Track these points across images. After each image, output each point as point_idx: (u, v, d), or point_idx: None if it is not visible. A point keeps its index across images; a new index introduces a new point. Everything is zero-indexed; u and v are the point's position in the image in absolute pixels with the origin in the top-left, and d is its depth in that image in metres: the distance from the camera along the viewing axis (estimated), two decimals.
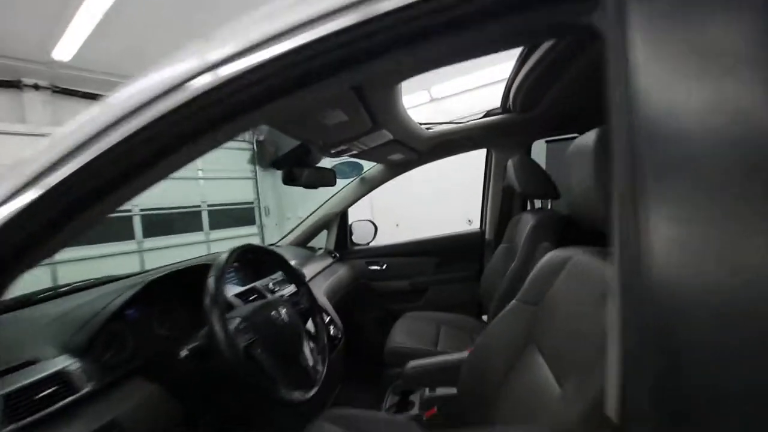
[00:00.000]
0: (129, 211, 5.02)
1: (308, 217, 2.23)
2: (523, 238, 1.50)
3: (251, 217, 6.56)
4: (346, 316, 2.28)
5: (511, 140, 1.92)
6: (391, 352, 1.57)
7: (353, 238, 2.36)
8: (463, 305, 2.13)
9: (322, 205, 2.21)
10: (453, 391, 1.10)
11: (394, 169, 2.08)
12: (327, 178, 1.41)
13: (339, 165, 1.91)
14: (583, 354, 0.64)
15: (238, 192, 6.41)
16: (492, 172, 2.07)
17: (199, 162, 5.87)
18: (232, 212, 6.33)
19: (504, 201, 2.04)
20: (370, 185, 2.13)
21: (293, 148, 1.30)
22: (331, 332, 1.37)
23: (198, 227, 5.84)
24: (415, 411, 1.21)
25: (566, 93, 1.32)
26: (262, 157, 6.46)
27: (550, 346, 0.82)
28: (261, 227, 6.53)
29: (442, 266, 2.20)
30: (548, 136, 1.96)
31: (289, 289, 1.40)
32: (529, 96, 1.42)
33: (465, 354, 1.14)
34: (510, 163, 1.66)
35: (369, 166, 2.13)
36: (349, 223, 2.34)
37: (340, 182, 2.06)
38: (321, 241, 2.31)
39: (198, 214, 5.85)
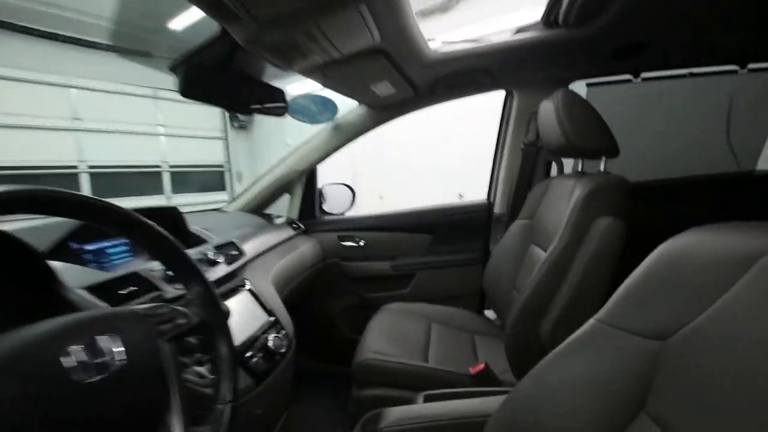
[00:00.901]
0: (74, 168, 4.35)
1: (265, 175, 1.69)
2: (566, 211, 1.01)
3: (221, 182, 5.94)
4: (308, 307, 1.81)
5: (545, 75, 1.41)
6: (362, 367, 1.10)
7: (324, 206, 1.84)
8: (461, 296, 1.66)
9: (283, 159, 1.67)
10: None
11: (381, 114, 1.54)
12: (272, 102, 0.87)
13: (304, 100, 1.37)
14: None
15: (207, 153, 5.74)
16: (510, 123, 1.56)
17: (159, 115, 5.17)
18: (199, 176, 5.69)
19: (525, 163, 1.54)
20: (347, 135, 1.59)
21: (209, 40, 0.75)
22: (270, 344, 0.87)
23: (158, 190, 5.20)
24: None
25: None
26: (235, 115, 5.76)
27: (699, 424, 0.37)
28: (232, 194, 5.92)
29: (435, 246, 1.71)
30: (600, 73, 1.42)
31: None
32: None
33: (479, 406, 0.68)
34: (543, 107, 1.16)
35: (347, 109, 1.59)
36: (319, 186, 1.82)
37: (308, 130, 1.52)
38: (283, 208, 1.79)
39: (158, 175, 5.18)
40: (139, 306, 0.51)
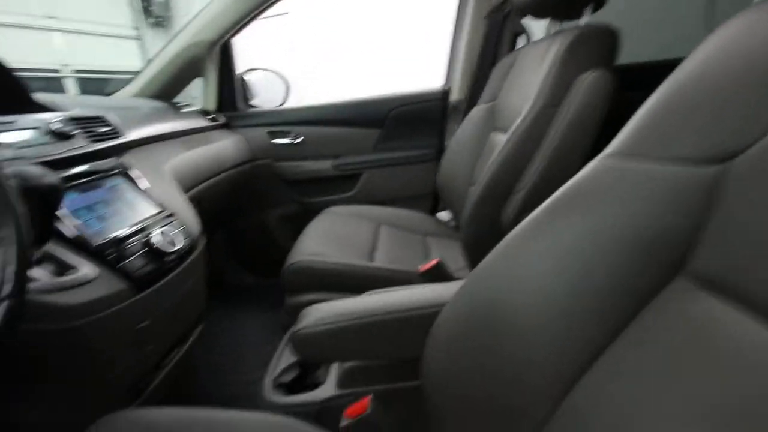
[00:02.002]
0: None
1: (162, 50, 1.30)
2: (537, 78, 0.81)
3: None
4: (238, 218, 1.56)
5: None
6: (294, 271, 0.92)
7: (249, 98, 1.51)
8: (413, 198, 1.49)
9: (185, 26, 1.27)
10: (408, 383, 0.49)
11: None
12: None
13: None
14: None
15: (118, 56, 4.80)
16: None
17: (55, 7, 4.10)
18: (114, 84, 4.81)
19: (488, 36, 1.28)
20: None
21: None
22: (154, 241, 0.64)
23: None
24: (328, 390, 0.60)
25: None
26: (150, 9, 4.77)
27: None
28: None
29: (384, 142, 1.49)
30: None
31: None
32: None
33: (427, 295, 0.51)
34: None
35: None
36: (238, 72, 1.46)
37: None
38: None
39: (58, 81, 4.29)
40: None
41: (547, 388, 0.32)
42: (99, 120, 0.80)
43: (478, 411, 0.38)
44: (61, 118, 0.69)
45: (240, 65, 1.47)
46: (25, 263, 0.32)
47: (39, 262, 0.52)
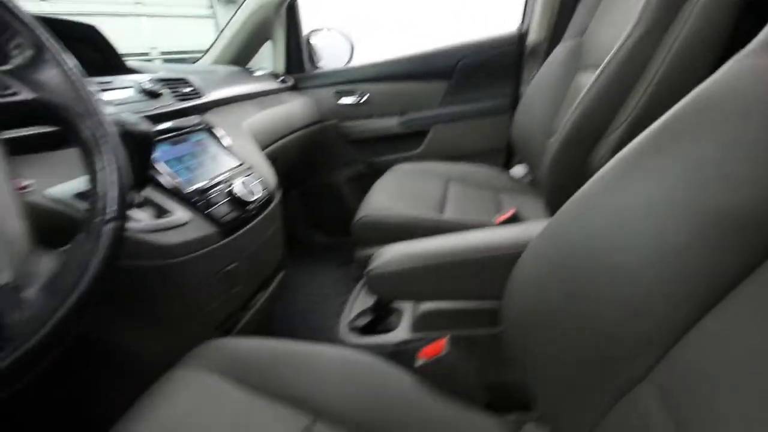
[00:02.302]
0: None
1: (235, 15, 1.33)
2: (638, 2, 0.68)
3: None
4: (309, 178, 1.61)
5: None
6: (363, 224, 0.92)
7: (314, 58, 1.51)
8: (484, 153, 1.41)
9: None
10: (485, 329, 0.47)
11: None
12: None
13: None
14: None
15: (197, 36, 5.12)
16: None
17: None
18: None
19: None
20: None
21: None
22: (236, 191, 0.68)
23: None
24: (401, 334, 0.60)
25: None
26: None
27: None
28: None
29: (453, 95, 1.40)
30: None
31: None
32: None
33: (508, 236, 0.47)
34: None
35: None
36: (304, 33, 1.46)
37: None
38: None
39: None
40: None
41: (654, 336, 0.28)
42: (183, 81, 0.85)
43: (566, 360, 0.34)
44: (150, 79, 0.75)
45: (305, 26, 1.47)
46: (124, 190, 0.34)
47: (140, 206, 0.57)
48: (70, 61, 0.36)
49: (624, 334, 0.29)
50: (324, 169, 1.55)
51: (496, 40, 1.35)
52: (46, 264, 0.28)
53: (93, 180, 0.33)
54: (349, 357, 0.47)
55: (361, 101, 1.44)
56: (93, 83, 0.61)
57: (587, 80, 0.91)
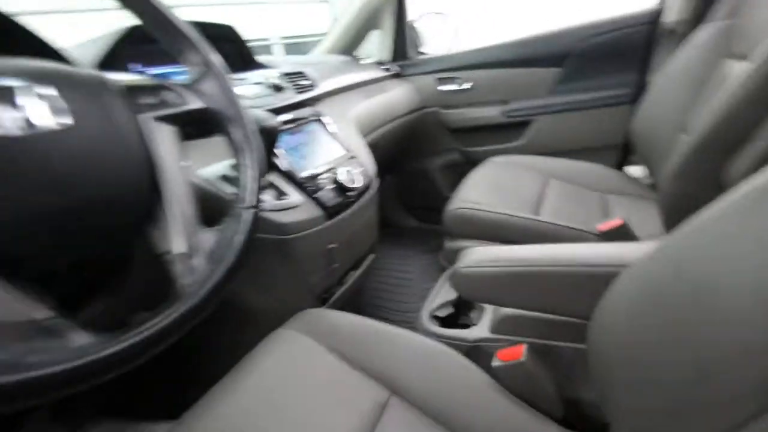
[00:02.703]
0: None
1: (348, 7, 1.41)
2: None
3: None
4: (404, 163, 1.65)
5: None
6: (454, 217, 0.93)
7: (418, 44, 1.52)
8: (594, 149, 1.29)
9: None
10: (567, 343, 0.46)
11: None
12: None
13: None
14: None
15: (311, 21, 5.46)
16: None
17: None
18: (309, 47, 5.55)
19: None
20: None
21: None
22: (340, 178, 0.75)
23: None
24: (480, 332, 0.62)
25: None
26: None
27: None
28: None
29: (565, 83, 1.29)
30: None
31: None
32: None
33: (607, 253, 0.45)
34: None
35: None
36: (410, 19, 1.47)
37: None
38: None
39: (267, 48, 5.19)
40: (122, 76, 0.39)
41: (755, 388, 0.25)
42: (301, 74, 0.95)
43: (654, 393, 0.32)
44: (276, 75, 0.85)
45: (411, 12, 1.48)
46: (260, 182, 0.42)
47: (265, 188, 0.67)
48: (220, 65, 0.44)
49: (723, 381, 0.27)
50: (420, 155, 1.58)
51: (621, 20, 1.20)
52: (207, 238, 0.37)
53: (239, 172, 0.42)
54: (430, 346, 0.51)
55: (463, 88, 1.42)
56: (233, 80, 0.73)
57: (736, 71, 0.77)
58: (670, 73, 1.00)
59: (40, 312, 0.25)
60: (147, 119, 0.36)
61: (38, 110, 0.28)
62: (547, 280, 0.46)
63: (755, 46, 0.69)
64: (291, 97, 0.85)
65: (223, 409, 0.44)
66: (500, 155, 1.25)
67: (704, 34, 0.93)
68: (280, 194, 0.68)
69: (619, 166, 1.27)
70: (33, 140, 0.28)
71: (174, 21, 0.41)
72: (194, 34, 0.42)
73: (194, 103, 0.41)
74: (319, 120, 0.88)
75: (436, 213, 1.62)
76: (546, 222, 0.87)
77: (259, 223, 0.40)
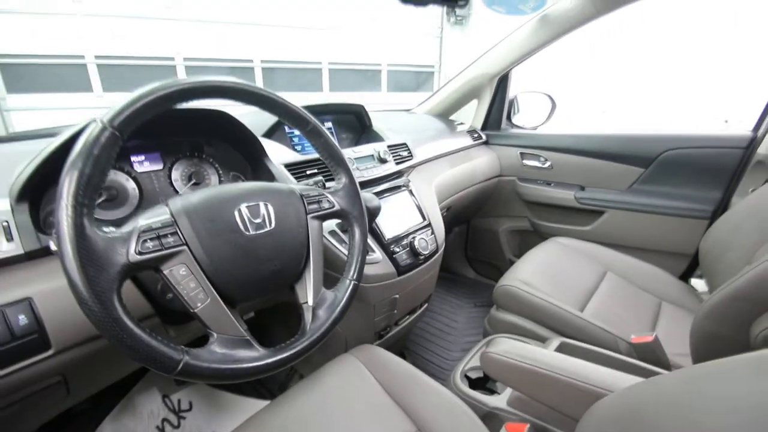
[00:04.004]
0: (251, 61, 4.98)
1: (455, 76, 1.62)
2: None
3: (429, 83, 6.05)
4: (475, 221, 1.79)
5: None
6: (503, 292, 1.07)
7: (513, 117, 1.67)
8: (660, 253, 1.32)
9: (474, 61, 1.54)
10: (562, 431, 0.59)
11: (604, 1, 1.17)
12: None
13: None
14: None
15: (419, 52, 5.81)
16: None
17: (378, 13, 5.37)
18: (409, 76, 5.89)
19: None
20: (555, 29, 1.29)
21: None
22: (416, 245, 0.94)
23: (375, 87, 5.71)
24: (499, 401, 0.76)
25: None
26: (452, 8, 5.49)
27: None
28: None
29: (645, 184, 1.35)
30: None
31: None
32: None
33: (603, 376, 0.57)
34: None
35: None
36: (511, 94, 1.63)
37: (504, 21, 1.33)
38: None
39: (374, 73, 5.64)
40: (299, 186, 0.62)
41: None
42: (404, 146, 1.17)
43: None
44: (383, 149, 1.08)
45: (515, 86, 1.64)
46: (365, 261, 0.63)
47: None
48: (356, 181, 0.66)
49: None
50: (491, 215, 1.72)
51: (716, 138, 1.23)
52: (327, 296, 0.59)
53: (350, 256, 0.63)
54: (453, 402, 0.67)
55: (544, 166, 1.54)
56: (352, 155, 0.96)
57: None
58: (752, 203, 1.03)
59: (244, 333, 0.48)
60: (310, 218, 0.59)
61: (265, 217, 0.52)
62: (553, 383, 0.59)
63: None
64: (391, 167, 1.07)
65: (286, 413, 0.64)
66: (566, 236, 1.34)
67: None
68: (368, 250, 0.90)
69: (685, 276, 1.28)
70: (261, 236, 0.51)
71: (338, 152, 0.64)
72: (346, 162, 0.65)
73: (336, 206, 0.63)
74: (408, 187, 1.09)
75: (494, 269, 1.74)
76: (585, 320, 0.96)
77: (357, 290, 0.61)
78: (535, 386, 0.61)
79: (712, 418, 0.34)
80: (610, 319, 0.98)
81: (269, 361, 0.49)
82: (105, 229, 0.41)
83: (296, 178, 0.85)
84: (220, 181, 0.79)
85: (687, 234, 1.25)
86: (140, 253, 0.41)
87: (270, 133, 0.99)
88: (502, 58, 1.44)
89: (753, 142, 1.16)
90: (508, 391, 0.78)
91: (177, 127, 0.75)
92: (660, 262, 1.26)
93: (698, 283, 1.22)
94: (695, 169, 1.25)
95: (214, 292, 0.46)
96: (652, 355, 0.82)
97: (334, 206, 0.63)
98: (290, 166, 0.86)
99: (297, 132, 1.07)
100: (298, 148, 1.07)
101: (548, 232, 1.49)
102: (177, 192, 0.74)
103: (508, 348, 0.66)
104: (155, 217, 0.45)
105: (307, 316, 0.56)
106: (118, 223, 0.49)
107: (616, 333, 0.92)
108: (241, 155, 0.83)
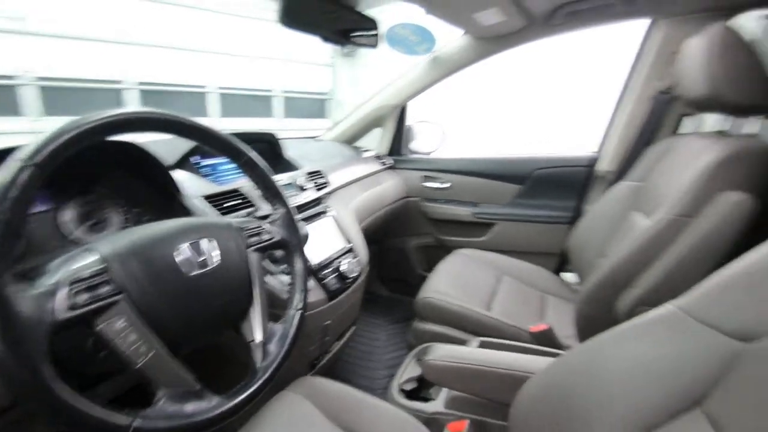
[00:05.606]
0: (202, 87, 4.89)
1: (359, 107, 1.72)
2: (687, 178, 0.85)
3: (322, 110, 6.19)
4: (386, 240, 1.89)
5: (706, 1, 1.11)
6: (425, 304, 1.16)
7: (411, 144, 1.83)
8: (539, 254, 1.58)
9: (378, 92, 1.67)
10: (498, 422, 0.67)
11: (486, 45, 1.40)
12: (364, 31, 0.86)
13: (401, 30, 1.31)
14: None
15: (313, 80, 5.95)
16: (646, 63, 1.29)
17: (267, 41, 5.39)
18: (302, 102, 5.96)
19: (653, 114, 1.29)
20: (445, 68, 1.49)
21: None
22: (343, 268, 0.97)
23: (267, 113, 5.64)
24: (437, 406, 0.82)
25: None
26: None
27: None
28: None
29: (522, 198, 1.62)
30: None
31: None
32: None
33: (525, 362, 0.68)
34: (689, 45, 0.93)
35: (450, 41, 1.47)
36: (408, 123, 1.79)
37: (401, 61, 1.47)
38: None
39: (266, 99, 5.57)
40: (235, 219, 0.60)
41: None
42: (319, 173, 1.19)
43: None
44: (301, 175, 1.09)
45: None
46: (306, 291, 0.63)
47: (288, 273, 0.88)
48: (294, 210, 0.66)
49: None
50: (400, 234, 1.84)
51: (570, 159, 1.55)
52: (274, 329, 0.57)
53: (292, 286, 0.63)
54: (399, 416, 0.70)
55: (443, 187, 1.72)
56: None
57: (639, 221, 1.06)
58: (597, 209, 1.32)
59: (194, 383, 0.45)
60: (250, 251, 0.57)
61: (208, 255, 0.49)
62: (487, 376, 0.68)
63: (654, 209, 0.95)
64: (311, 194, 1.08)
65: None
66: (466, 247, 1.52)
67: (622, 187, 1.25)
68: None
69: (557, 270, 1.56)
70: (205, 275, 0.48)
71: (275, 184, 0.64)
72: (283, 192, 0.65)
73: (276, 237, 0.62)
74: (328, 214, 1.11)
75: (406, 285, 1.85)
76: (493, 318, 1.10)
77: (304, 318, 0.61)
78: (473, 382, 0.69)
79: (610, 374, 0.48)
80: (511, 315, 1.15)
81: (224, 409, 0.46)
82: (20, 284, 0.35)
83: (219, 210, 0.81)
84: (125, 221, 0.71)
85: (556, 237, 1.53)
86: (72, 308, 0.36)
87: (179, 164, 0.92)
88: (402, 91, 1.59)
89: (594, 161, 1.49)
90: (443, 395, 0.84)
91: (71, 160, 0.65)
92: (539, 261, 1.51)
93: (569, 276, 1.50)
94: (558, 184, 1.55)
95: (159, 343, 0.42)
96: (549, 341, 0.98)
97: (273, 237, 0.62)
98: (210, 199, 0.82)
99: (207, 162, 1.02)
100: (211, 178, 1.01)
101: (452, 245, 1.66)
102: (65, 236, 0.64)
103: (443, 353, 0.72)
104: (80, 263, 0.40)
105: (257, 354, 0.54)
106: (25, 274, 0.41)
107: (518, 326, 1.08)
108: (148, 190, 0.76)
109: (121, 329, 0.39)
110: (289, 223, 0.65)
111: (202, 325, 0.49)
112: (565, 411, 0.53)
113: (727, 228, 0.76)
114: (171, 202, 0.76)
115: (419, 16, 1.19)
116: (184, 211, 0.75)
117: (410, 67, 1.55)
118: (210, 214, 0.78)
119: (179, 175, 0.83)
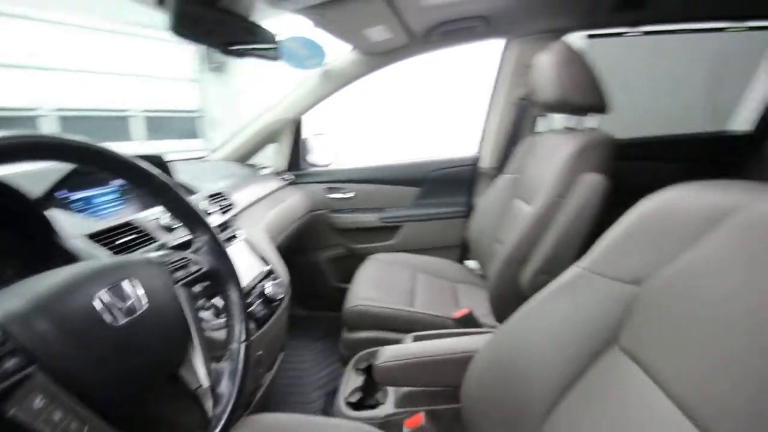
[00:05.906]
0: (34, 109, 4.02)
1: (250, 123, 1.63)
2: (552, 167, 1.04)
3: (194, 129, 5.65)
4: (297, 257, 1.83)
5: (544, 25, 1.37)
6: (353, 312, 1.16)
7: (307, 156, 1.81)
8: (444, 248, 1.73)
9: (271, 107, 1.61)
10: (451, 405, 0.72)
11: (373, 60, 1.48)
12: (263, 44, 0.83)
13: (292, 43, 1.29)
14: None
15: (180, 97, 5.39)
16: (506, 75, 1.53)
17: (125, 55, 4.74)
18: (171, 122, 5.36)
19: (518, 117, 1.54)
20: (336, 82, 1.53)
21: None
22: (267, 292, 0.91)
23: (125, 136, 4.90)
24: (388, 409, 0.82)
25: None
26: (211, 56, 5.36)
27: (664, 357, 0.43)
28: (208, 142, 5.67)
29: (422, 199, 1.75)
30: (601, 24, 1.39)
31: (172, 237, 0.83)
32: None
33: (466, 343, 0.74)
34: (539, 60, 1.14)
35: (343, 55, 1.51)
36: (303, 136, 1.78)
37: (294, 75, 1.46)
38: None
39: (124, 120, 4.85)
40: (152, 254, 0.52)
41: (539, 408, 0.54)
42: (221, 195, 1.09)
43: (497, 420, 0.60)
44: (203, 200, 0.99)
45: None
46: (246, 322, 0.58)
47: (208, 308, 0.78)
48: (221, 238, 0.60)
49: (525, 408, 0.55)
50: (309, 250, 1.79)
51: (457, 160, 1.74)
52: (221, 369, 0.51)
53: (229, 318, 0.57)
54: (358, 428, 0.69)
55: (347, 197, 1.74)
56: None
57: (522, 207, 1.25)
58: (485, 202, 1.51)
59: None
60: (178, 287, 0.50)
61: (135, 298, 0.41)
62: (437, 365, 0.72)
63: (532, 196, 1.14)
64: (217, 219, 0.99)
65: None
66: (378, 252, 1.57)
67: (503, 180, 1.46)
68: (218, 312, 0.80)
69: (461, 260, 1.73)
70: (134, 322, 0.40)
71: (193, 208, 0.56)
72: (204, 216, 0.58)
73: (205, 266, 0.55)
74: (240, 237, 1.03)
75: (321, 301, 1.81)
76: (419, 312, 1.17)
77: (250, 351, 0.56)
78: (425, 374, 0.72)
79: (539, 336, 0.57)
80: (433, 307, 1.23)
81: None
82: None
83: (111, 250, 0.67)
84: None
85: (455, 230, 1.70)
86: None
87: (44, 201, 0.74)
88: (296, 104, 1.57)
89: (476, 160, 1.70)
90: (391, 396, 0.86)
91: None
92: (444, 254, 1.65)
93: (471, 264, 1.67)
94: (451, 183, 1.72)
95: (92, 415, 0.34)
96: (472, 323, 1.08)
97: (202, 267, 0.55)
98: (96, 237, 0.68)
99: (78, 195, 0.85)
100: (87, 213, 0.84)
101: (363, 252, 1.69)
102: None
103: (391, 354, 0.74)
104: None
105: (207, 401, 0.47)
106: None
107: (442, 315, 1.16)
108: (11, 235, 0.60)
109: (41, 409, 0.31)
110: (217, 250, 0.59)
111: (141, 380, 0.41)
112: (509, 379, 0.60)
113: (591, 203, 0.96)
114: (46, 249, 0.61)
115: (309, 30, 1.20)
116: (66, 256, 0.61)
117: (301, 80, 1.55)
118: (101, 257, 0.65)
119: (49, 214, 0.67)
